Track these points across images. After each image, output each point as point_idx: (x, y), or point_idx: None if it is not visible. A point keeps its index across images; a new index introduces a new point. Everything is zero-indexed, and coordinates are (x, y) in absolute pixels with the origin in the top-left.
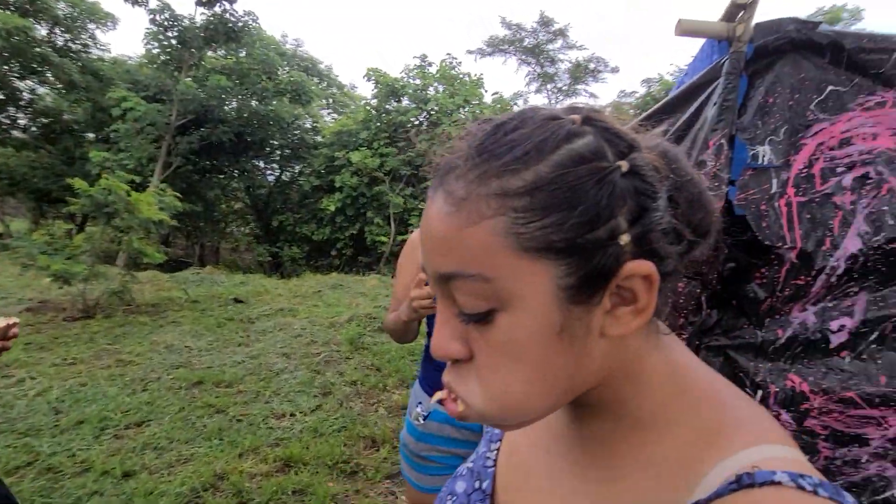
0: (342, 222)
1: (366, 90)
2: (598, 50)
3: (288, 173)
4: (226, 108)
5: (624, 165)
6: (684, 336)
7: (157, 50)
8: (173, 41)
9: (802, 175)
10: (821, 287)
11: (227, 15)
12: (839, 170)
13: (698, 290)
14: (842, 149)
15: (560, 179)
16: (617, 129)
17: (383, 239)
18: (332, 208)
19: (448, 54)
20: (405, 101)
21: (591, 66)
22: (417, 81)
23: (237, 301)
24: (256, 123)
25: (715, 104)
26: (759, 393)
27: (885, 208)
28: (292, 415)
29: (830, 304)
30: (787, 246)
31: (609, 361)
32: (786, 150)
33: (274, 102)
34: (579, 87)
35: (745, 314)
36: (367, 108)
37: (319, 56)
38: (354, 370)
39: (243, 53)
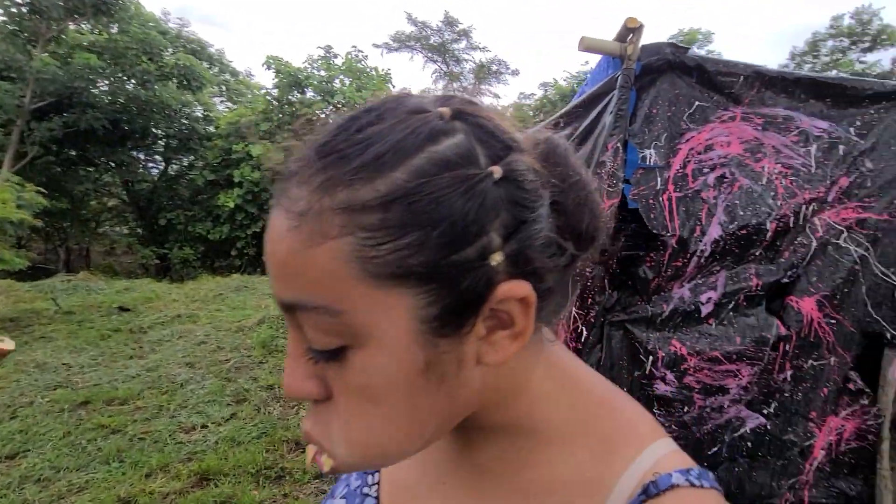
0: (243, 220)
1: (264, 79)
2: (500, 52)
3: (175, 166)
4: (96, 90)
5: (497, 171)
6: (592, 315)
7: (3, 18)
8: (24, 9)
9: (679, 174)
10: (693, 267)
11: None
12: (705, 170)
13: (602, 275)
14: (706, 153)
15: (419, 190)
16: (493, 127)
17: None
18: (231, 205)
19: (354, 47)
20: (309, 93)
21: (494, 67)
22: (322, 73)
23: (123, 310)
24: (136, 110)
25: (611, 112)
26: (650, 358)
27: (737, 202)
28: (204, 426)
29: (700, 281)
30: (669, 234)
31: (490, 384)
32: (666, 153)
33: (156, 87)
34: (483, 87)
35: (638, 292)
36: (268, 98)
37: (209, 38)
38: (270, 374)
39: (115, 29)
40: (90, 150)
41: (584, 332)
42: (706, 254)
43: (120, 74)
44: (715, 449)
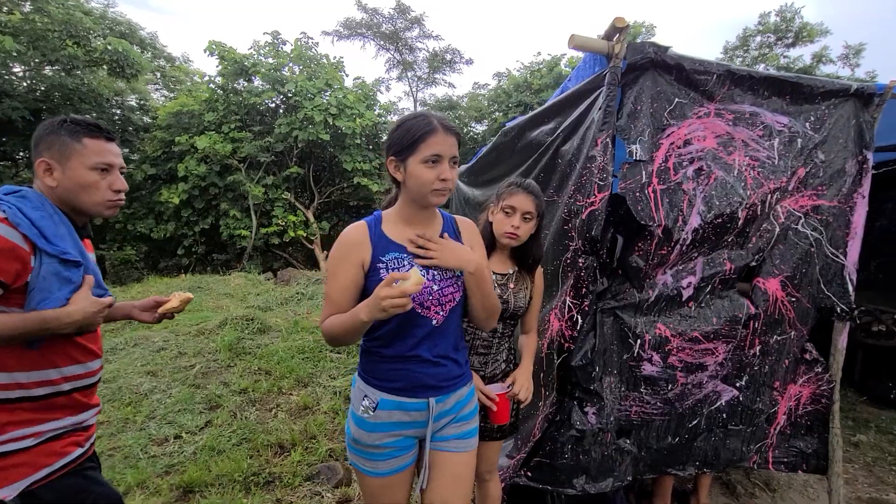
0: (190, 216)
1: (203, 65)
2: (454, 41)
3: None
4: (12, 77)
5: None
6: (586, 303)
7: None
8: None
9: (662, 168)
10: (676, 255)
11: None
12: (684, 164)
13: (595, 265)
14: (685, 147)
15: None
16: None
17: (244, 233)
18: (176, 201)
19: (303, 33)
20: (257, 82)
21: (448, 56)
22: (270, 60)
23: None
24: (60, 99)
25: (599, 109)
26: (638, 341)
27: (713, 192)
28: (178, 437)
29: (681, 267)
30: (655, 224)
31: None
32: (650, 148)
33: (78, 72)
34: (438, 76)
35: (629, 280)
36: (212, 86)
37: (138, 20)
38: (241, 378)
39: (28, 8)
40: (8, 143)
41: (580, 321)
42: (687, 242)
43: (39, 59)
44: (695, 421)
